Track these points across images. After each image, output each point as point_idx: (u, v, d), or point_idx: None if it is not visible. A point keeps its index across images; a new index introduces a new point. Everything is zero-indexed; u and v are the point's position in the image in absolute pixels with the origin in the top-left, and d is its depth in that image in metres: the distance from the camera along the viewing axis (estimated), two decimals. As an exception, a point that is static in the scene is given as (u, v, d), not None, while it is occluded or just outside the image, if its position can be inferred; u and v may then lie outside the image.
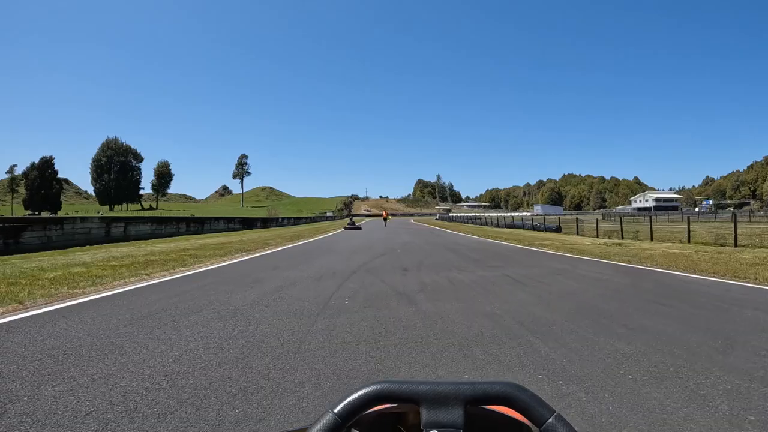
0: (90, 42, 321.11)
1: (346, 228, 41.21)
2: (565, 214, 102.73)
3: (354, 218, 49.48)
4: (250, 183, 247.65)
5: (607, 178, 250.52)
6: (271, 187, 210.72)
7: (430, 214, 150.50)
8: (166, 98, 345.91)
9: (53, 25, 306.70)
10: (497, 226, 46.51)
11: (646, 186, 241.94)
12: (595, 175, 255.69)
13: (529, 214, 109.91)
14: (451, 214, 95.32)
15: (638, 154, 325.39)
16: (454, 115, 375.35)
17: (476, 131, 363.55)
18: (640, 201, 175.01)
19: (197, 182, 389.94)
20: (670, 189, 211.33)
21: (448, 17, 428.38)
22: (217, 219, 34.83)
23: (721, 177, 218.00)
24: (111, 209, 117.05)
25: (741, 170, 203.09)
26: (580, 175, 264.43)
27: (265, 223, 44.43)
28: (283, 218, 52.51)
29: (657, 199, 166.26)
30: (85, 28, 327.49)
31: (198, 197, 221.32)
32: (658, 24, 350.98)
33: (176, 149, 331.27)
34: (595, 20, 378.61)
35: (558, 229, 33.15)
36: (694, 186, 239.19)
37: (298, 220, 58.02)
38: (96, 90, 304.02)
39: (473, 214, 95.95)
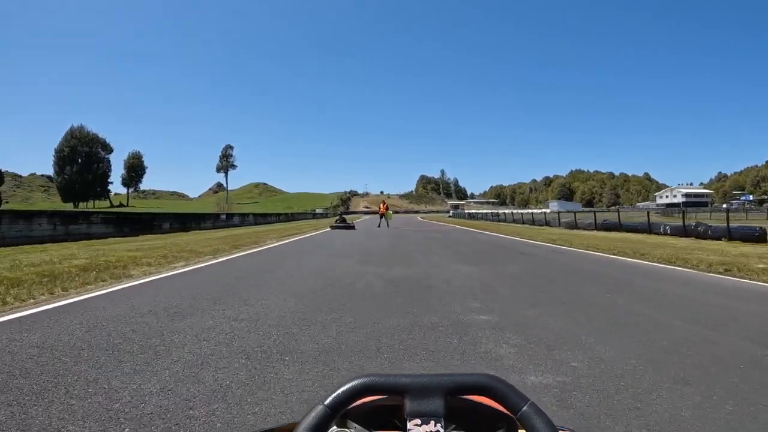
0: (89, 45, 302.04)
1: (333, 227, 26.04)
2: (583, 211, 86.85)
3: (346, 215, 30.02)
4: (244, 179, 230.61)
5: (616, 174, 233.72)
6: (265, 183, 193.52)
7: (437, 211, 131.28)
8: (166, 99, 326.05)
9: (49, 28, 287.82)
10: (574, 226, 27.40)
11: (656, 182, 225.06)
12: (603, 171, 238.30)
13: (548, 210, 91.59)
14: (467, 211, 75.95)
15: (639, 152, 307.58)
16: (455, 114, 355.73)
17: (477, 130, 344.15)
18: (667, 197, 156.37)
19: (196, 181, 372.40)
20: (679, 184, 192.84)
21: (448, 17, 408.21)
22: (38, 214, 16.29)
23: (734, 173, 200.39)
24: (76, 206, 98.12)
25: (759, 165, 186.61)
26: (588, 171, 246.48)
27: (185, 223, 25.58)
28: (235, 215, 33.74)
29: (687, 195, 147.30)
30: (83, 29, 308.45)
31: (192, 195, 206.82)
32: (657, 24, 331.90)
33: (175, 149, 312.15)
34: (593, 20, 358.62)
35: (762, 236, 14.57)
36: (702, 183, 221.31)
37: (264, 218, 39.20)
38: (95, 91, 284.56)
39: (488, 210, 77.60)
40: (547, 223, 32.21)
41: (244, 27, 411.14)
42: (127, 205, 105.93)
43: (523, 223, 36.05)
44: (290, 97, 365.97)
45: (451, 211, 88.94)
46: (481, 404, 0.63)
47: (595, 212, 28.05)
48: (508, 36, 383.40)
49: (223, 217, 30.29)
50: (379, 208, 31.29)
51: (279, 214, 45.81)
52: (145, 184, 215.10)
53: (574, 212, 30.20)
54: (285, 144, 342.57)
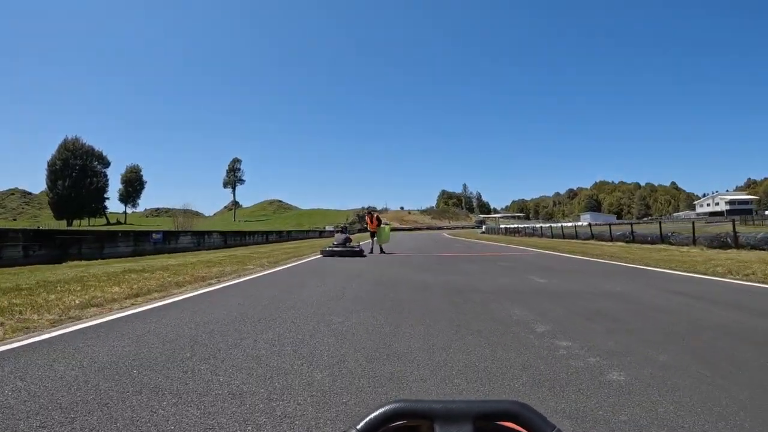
0: (98, 52, 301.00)
1: (325, 253, 15.72)
2: (619, 223, 76.42)
3: (359, 232, 18.09)
4: (261, 197, 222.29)
5: (642, 184, 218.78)
6: (279, 200, 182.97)
7: (463, 226, 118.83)
8: (183, 120, 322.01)
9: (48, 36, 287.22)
10: (727, 243, 15.20)
11: (684, 191, 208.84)
12: (628, 182, 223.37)
13: (584, 223, 79.56)
14: (502, 226, 63.50)
15: (661, 162, 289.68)
16: (474, 129, 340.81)
17: (496, 145, 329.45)
18: (708, 205, 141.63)
19: (213, 199, 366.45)
20: (704, 194, 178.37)
21: (465, 33, 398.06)
22: None
23: (765, 178, 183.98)
24: (69, 223, 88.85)
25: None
26: (612, 182, 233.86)
27: (64, 248, 14.28)
28: (184, 234, 22.33)
29: (731, 202, 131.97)
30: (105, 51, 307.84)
31: (208, 213, 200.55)
32: (674, 47, 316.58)
33: (192, 167, 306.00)
34: (605, 35, 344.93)
35: None
36: (728, 190, 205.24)
37: (241, 238, 27.81)
38: (113, 113, 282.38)
39: (524, 225, 66.03)
40: (663, 239, 19.89)
41: (261, 47, 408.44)
42: (125, 223, 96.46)
43: (610, 239, 23.78)
44: (308, 113, 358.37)
45: (483, 227, 76.06)
46: (508, 429, 0.61)
47: (733, 223, 15.71)
48: (524, 52, 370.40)
49: (157, 237, 18.87)
50: (369, 220, 17.94)
51: (268, 233, 34.12)
52: (160, 202, 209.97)
53: (727, 222, 17.88)
54: (302, 161, 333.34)
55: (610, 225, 25.25)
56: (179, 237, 20.84)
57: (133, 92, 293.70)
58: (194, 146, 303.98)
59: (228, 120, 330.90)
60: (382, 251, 17.00)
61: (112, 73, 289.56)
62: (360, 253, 15.19)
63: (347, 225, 21.09)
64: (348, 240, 15.95)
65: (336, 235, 16.93)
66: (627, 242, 22.18)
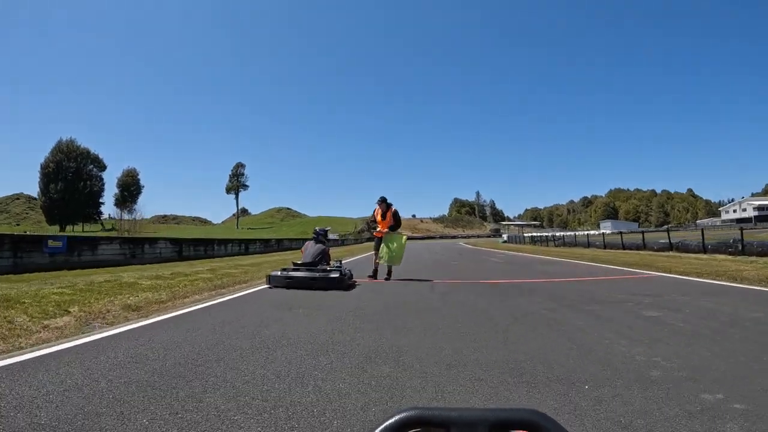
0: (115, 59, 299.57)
1: (275, 280, 8.11)
2: (643, 231, 69.28)
3: (328, 242, 9.51)
4: (269, 204, 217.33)
5: (658, 191, 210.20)
6: (288, 208, 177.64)
7: (477, 235, 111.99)
8: (192, 127, 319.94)
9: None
10: None
11: (701, 199, 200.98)
12: (643, 189, 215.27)
13: (607, 231, 73.07)
14: (525, 234, 56.75)
15: (676, 169, 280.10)
16: (485, 137, 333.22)
17: (507, 154, 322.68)
18: (735, 211, 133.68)
19: (221, 208, 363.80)
20: (720, 201, 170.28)
21: (476, 43, 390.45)
22: None
23: None
24: (62, 229, 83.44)
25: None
26: (628, 189, 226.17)
27: None
28: (107, 242, 15.64)
29: (759, 207, 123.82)
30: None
31: (216, 221, 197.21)
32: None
33: (202, 176, 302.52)
34: (610, 44, 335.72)
35: None
36: (743, 197, 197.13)
37: (207, 248, 21.40)
38: (119, 119, 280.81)
39: (551, 233, 59.46)
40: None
41: (278, 55, 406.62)
42: (120, 229, 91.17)
43: (702, 250, 17.03)
44: (318, 121, 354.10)
45: (505, 235, 68.72)
46: None
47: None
48: (533, 63, 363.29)
49: (56, 245, 12.63)
50: (377, 220, 10.68)
51: (248, 242, 27.29)
52: (167, 209, 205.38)
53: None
54: (312, 170, 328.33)
55: (702, 230, 18.52)
56: (98, 246, 14.51)
57: (143, 96, 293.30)
58: (207, 154, 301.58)
59: (239, 126, 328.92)
60: (388, 275, 10.06)
61: (120, 74, 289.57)
62: (340, 284, 7.97)
63: (327, 230, 10.21)
64: (323, 256, 9.02)
65: (306, 245, 9.45)
66: (732, 254, 15.50)
